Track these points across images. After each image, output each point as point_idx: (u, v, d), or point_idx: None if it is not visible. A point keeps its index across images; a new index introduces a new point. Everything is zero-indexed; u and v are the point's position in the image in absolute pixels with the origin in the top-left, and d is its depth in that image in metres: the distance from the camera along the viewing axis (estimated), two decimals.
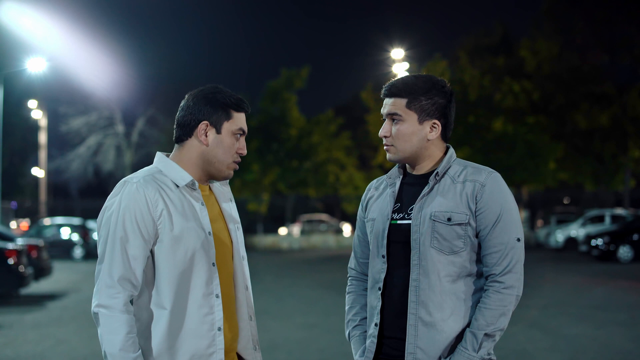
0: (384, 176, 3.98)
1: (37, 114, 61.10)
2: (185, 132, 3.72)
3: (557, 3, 52.50)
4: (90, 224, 43.71)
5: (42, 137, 63.79)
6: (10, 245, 19.78)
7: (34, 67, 41.83)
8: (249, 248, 53.74)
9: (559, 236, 43.17)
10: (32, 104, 57.63)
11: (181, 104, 3.77)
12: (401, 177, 3.91)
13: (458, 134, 52.40)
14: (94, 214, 54.65)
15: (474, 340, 3.56)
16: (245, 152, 3.78)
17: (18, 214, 65.70)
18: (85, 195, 71.55)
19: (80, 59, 53.34)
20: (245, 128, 3.76)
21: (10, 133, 54.57)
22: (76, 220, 42.78)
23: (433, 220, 3.66)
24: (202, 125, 3.68)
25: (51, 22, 46.10)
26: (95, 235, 41.75)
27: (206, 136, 3.69)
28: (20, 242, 22.23)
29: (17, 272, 19.29)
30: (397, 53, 57.32)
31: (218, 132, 3.70)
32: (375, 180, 4.06)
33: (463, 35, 57.76)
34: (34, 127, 62.90)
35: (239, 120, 3.74)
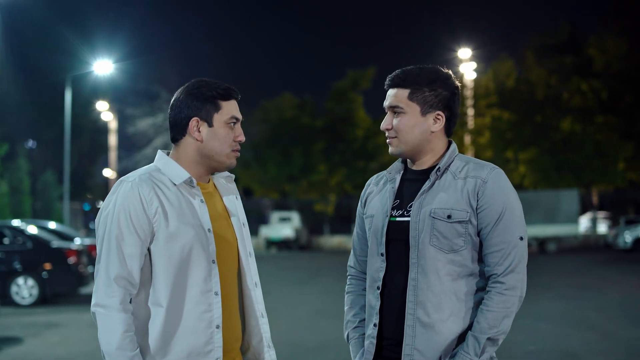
0: (384, 171, 3.88)
1: (108, 116, 61.85)
2: (178, 131, 3.69)
3: (625, 0, 51.76)
4: None
5: (112, 139, 64.60)
6: (70, 245, 20.06)
7: (101, 69, 42.37)
8: (316, 248, 53.77)
9: (627, 237, 42.46)
10: (101, 106, 58.34)
11: (170, 104, 3.73)
12: (402, 172, 3.80)
13: (525, 134, 52.03)
14: None
15: (476, 344, 3.45)
16: (242, 138, 3.72)
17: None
18: None
19: (146, 61, 53.90)
20: (238, 115, 3.70)
21: (79, 135, 55.26)
22: None
23: (433, 218, 3.55)
24: (193, 122, 3.64)
25: (117, 25, 46.65)
26: None
27: (199, 132, 3.64)
28: (79, 241, 22.51)
29: (77, 271, 19.60)
30: (464, 53, 57.10)
31: (210, 125, 3.64)
32: (375, 176, 3.95)
33: (530, 35, 57.09)
34: (102, 128, 63.67)
35: (229, 108, 3.68)
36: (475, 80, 55.92)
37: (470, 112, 55.46)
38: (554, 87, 52.72)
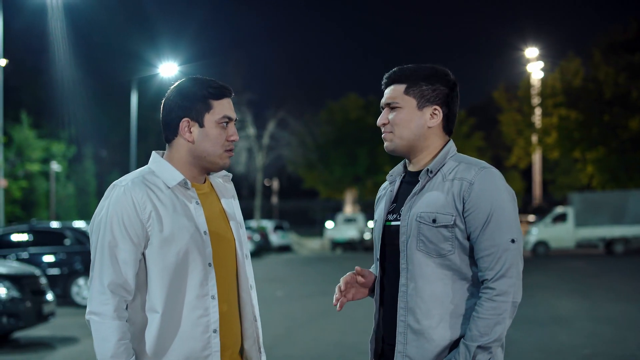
0: None
1: None
2: (170, 131, 3.61)
3: None
4: None
5: None
6: None
7: (166, 71, 42.72)
8: None
9: None
10: None
11: (162, 103, 3.65)
12: (402, 175, 3.73)
13: (593, 134, 51.30)
14: None
15: (466, 352, 3.33)
16: (236, 138, 3.63)
17: None
18: None
19: (211, 63, 54.20)
20: (231, 114, 3.61)
21: (145, 136, 55.78)
22: None
23: (419, 222, 3.45)
24: (184, 122, 3.56)
25: (182, 27, 47.10)
26: None
27: (190, 132, 3.56)
28: None
29: None
30: (531, 52, 56.54)
31: (201, 125, 3.56)
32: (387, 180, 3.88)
33: (597, 33, 56.31)
34: None
35: (221, 108, 3.58)
36: (542, 80, 55.29)
37: (538, 111, 54.83)
38: (622, 86, 51.77)
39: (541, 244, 40.26)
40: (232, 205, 3.77)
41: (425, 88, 3.57)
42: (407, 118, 3.57)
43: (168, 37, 58.61)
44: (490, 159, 65.42)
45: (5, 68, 35.41)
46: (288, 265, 37.01)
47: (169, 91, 3.65)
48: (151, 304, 3.45)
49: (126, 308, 3.44)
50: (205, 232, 3.52)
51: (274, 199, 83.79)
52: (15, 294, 13.35)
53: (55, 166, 45.63)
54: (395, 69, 3.66)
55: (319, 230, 61.36)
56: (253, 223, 55.80)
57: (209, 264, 3.52)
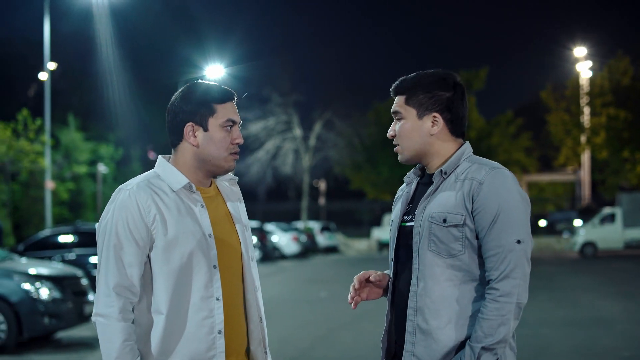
0: None
1: None
2: (175, 136, 3.68)
3: None
4: (268, 226, 44.60)
5: None
6: None
7: (213, 73, 42.95)
8: None
9: None
10: None
11: (167, 108, 3.71)
12: (419, 177, 3.77)
13: (639, 135, 50.72)
14: (273, 217, 55.60)
15: (471, 354, 3.34)
16: (240, 141, 3.68)
17: None
18: (264, 198, 72.88)
19: (258, 65, 54.35)
20: (235, 117, 3.67)
21: None
22: (254, 223, 43.36)
23: (430, 222, 3.48)
24: (188, 127, 3.62)
25: (229, 29, 47.32)
26: (273, 238, 42.46)
27: (195, 137, 3.62)
28: None
29: None
30: (579, 51, 56.04)
31: (205, 129, 3.62)
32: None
33: None
34: None
35: (225, 111, 3.64)
36: (591, 79, 54.75)
37: (586, 111, 54.31)
38: None
39: (589, 244, 39.85)
40: (238, 208, 3.82)
41: (422, 97, 3.62)
42: (409, 129, 3.64)
43: (215, 39, 58.95)
44: (538, 159, 64.94)
45: (53, 72, 35.78)
46: (334, 266, 36.99)
47: (174, 96, 3.71)
48: (156, 306, 3.51)
49: (132, 310, 3.51)
50: (210, 235, 3.57)
51: (321, 200, 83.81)
52: (57, 294, 13.50)
53: (102, 168, 46.05)
54: (399, 80, 3.72)
55: (366, 231, 61.17)
56: (300, 224, 55.85)
57: (214, 266, 3.56)
